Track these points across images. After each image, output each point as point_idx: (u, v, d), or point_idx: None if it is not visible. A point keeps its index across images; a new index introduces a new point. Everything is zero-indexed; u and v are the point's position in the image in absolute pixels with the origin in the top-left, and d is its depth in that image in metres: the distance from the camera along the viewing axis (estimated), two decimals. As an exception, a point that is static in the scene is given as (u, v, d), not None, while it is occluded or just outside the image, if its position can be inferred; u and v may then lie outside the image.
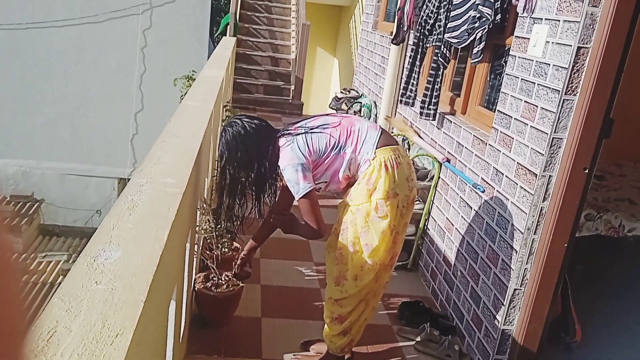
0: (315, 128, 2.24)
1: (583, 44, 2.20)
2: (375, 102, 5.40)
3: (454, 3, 3.26)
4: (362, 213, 2.20)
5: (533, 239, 2.42)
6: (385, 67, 4.98)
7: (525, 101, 2.53)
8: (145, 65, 8.86)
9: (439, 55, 3.41)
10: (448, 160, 3.34)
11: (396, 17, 4.42)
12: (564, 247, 2.39)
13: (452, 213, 3.22)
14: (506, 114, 2.68)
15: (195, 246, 2.59)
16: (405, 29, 4.27)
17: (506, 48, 2.94)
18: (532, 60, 2.50)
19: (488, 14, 2.87)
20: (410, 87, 3.95)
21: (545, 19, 2.42)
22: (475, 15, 2.97)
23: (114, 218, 1.37)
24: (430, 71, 3.49)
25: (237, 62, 7.48)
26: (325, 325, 2.44)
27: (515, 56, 2.65)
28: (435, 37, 3.49)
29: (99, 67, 8.81)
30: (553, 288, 2.46)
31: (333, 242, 2.32)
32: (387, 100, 4.78)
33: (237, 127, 2.26)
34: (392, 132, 3.72)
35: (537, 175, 2.37)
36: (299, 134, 2.23)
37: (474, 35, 2.99)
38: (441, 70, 3.43)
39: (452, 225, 3.19)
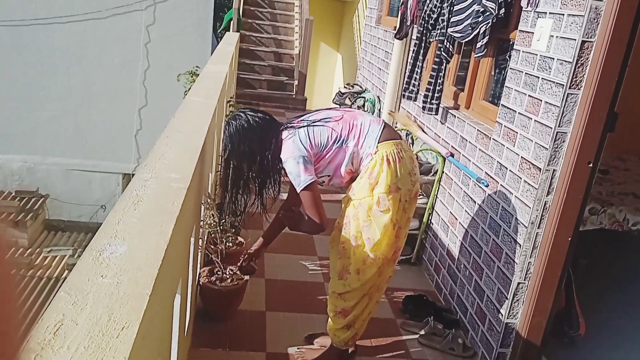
0: (317, 121, 2.25)
1: (587, 38, 2.19)
2: (378, 97, 5.39)
3: (457, -3, 3.25)
4: (364, 207, 2.20)
5: (537, 233, 2.42)
6: (388, 62, 4.97)
7: (529, 95, 2.52)
8: (148, 61, 8.87)
9: (442, 49, 3.41)
10: (452, 155, 3.34)
11: (400, 11, 4.41)
12: (567, 241, 2.39)
13: (455, 207, 3.22)
14: (510, 109, 2.68)
15: (200, 240, 2.60)
16: (408, 23, 4.26)
17: (510, 42, 2.94)
18: (537, 55, 2.49)
19: (492, 8, 2.86)
20: (413, 81, 3.94)
21: (550, 13, 2.41)
22: (479, 10, 2.96)
23: (119, 213, 1.38)
24: (433, 65, 3.49)
25: (240, 57, 7.48)
26: (329, 319, 2.45)
27: (520, 50, 2.64)
28: (439, 31, 3.48)
29: (103, 63, 8.83)
30: (557, 282, 2.46)
31: (336, 236, 2.33)
32: (391, 95, 4.77)
33: (240, 120, 2.27)
34: (395, 127, 3.72)
35: (541, 169, 2.37)
36: (301, 127, 2.24)
37: (478, 30, 2.98)
38: (444, 64, 3.43)
39: (456, 219, 3.20)
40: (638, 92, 3.50)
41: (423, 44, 3.79)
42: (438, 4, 3.51)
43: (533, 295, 2.47)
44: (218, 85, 3.36)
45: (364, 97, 5.53)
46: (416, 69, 3.89)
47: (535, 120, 2.45)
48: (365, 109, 5.36)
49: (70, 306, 0.99)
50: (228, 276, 2.69)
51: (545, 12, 2.44)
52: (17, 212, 7.91)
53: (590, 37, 2.19)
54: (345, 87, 6.08)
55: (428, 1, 3.68)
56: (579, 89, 2.25)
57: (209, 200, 2.65)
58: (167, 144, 2.04)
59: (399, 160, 2.19)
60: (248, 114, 2.29)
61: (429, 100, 3.53)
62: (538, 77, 2.46)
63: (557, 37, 2.35)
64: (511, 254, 2.54)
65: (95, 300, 1.02)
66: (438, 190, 3.51)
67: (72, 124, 8.99)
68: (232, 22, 7.44)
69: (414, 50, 3.92)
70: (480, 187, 2.90)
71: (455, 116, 3.38)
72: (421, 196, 3.60)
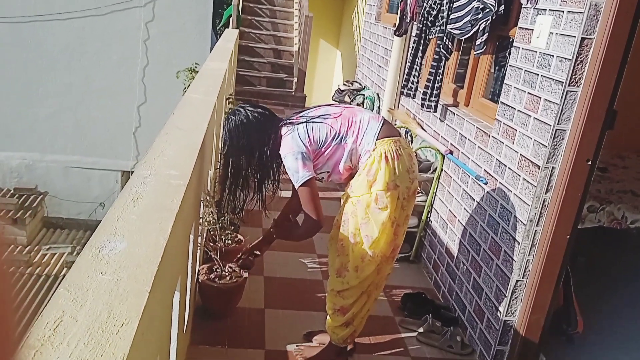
0: (316, 118, 2.25)
1: (587, 35, 2.19)
2: (378, 94, 5.39)
3: (457, -6, 3.24)
4: (363, 204, 2.20)
5: (535, 230, 2.43)
6: (388, 59, 4.97)
7: (528, 93, 2.52)
8: (147, 57, 8.86)
9: (441, 46, 3.40)
10: (451, 152, 3.34)
11: (399, 8, 4.41)
12: (566, 238, 2.40)
13: (454, 205, 3.23)
14: (509, 106, 2.68)
15: (199, 238, 2.60)
16: (408, 20, 4.25)
17: (510, 39, 2.93)
18: (536, 52, 2.49)
19: (491, 5, 2.86)
20: (412, 78, 3.94)
21: (549, 9, 2.41)
22: (479, 6, 2.96)
23: (118, 210, 1.38)
24: (433, 63, 3.48)
25: (239, 54, 7.47)
26: (328, 317, 2.46)
27: (519, 47, 2.64)
28: (438, 28, 3.48)
29: (102, 59, 8.81)
30: (555, 279, 2.47)
31: (335, 234, 2.33)
32: (390, 93, 4.77)
33: (240, 115, 2.27)
34: (395, 124, 3.72)
35: (540, 167, 2.37)
36: (300, 123, 2.24)
37: (477, 27, 2.98)
38: (443, 62, 3.42)
39: (455, 217, 3.20)
40: (637, 89, 3.50)
41: (422, 41, 3.79)
42: (438, 1, 3.50)
43: (531, 293, 2.47)
44: (217, 82, 3.36)
45: (364, 95, 5.53)
46: (415, 66, 3.89)
47: (534, 118, 2.45)
48: (365, 106, 5.36)
49: (70, 303, 0.99)
50: (227, 274, 2.69)
51: (545, 9, 2.44)
52: (16, 209, 7.90)
53: (590, 34, 2.19)
54: (344, 84, 6.08)
55: (427, -2, 3.67)
56: (578, 87, 2.25)
57: (208, 198, 2.65)
58: (167, 141, 2.04)
59: (397, 158, 2.19)
60: (247, 109, 2.29)
61: (427, 97, 3.53)
62: (537, 75, 2.46)
63: (556, 34, 2.35)
64: (510, 252, 2.54)
65: (95, 297, 1.02)
66: (437, 188, 3.52)
67: (71, 121, 8.98)
68: (231, 18, 7.43)
69: (413, 47, 3.91)
70: (479, 184, 2.91)
71: (454, 113, 3.38)
72: (420, 194, 3.60)
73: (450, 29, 3.29)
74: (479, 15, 2.96)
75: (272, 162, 2.31)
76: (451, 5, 3.31)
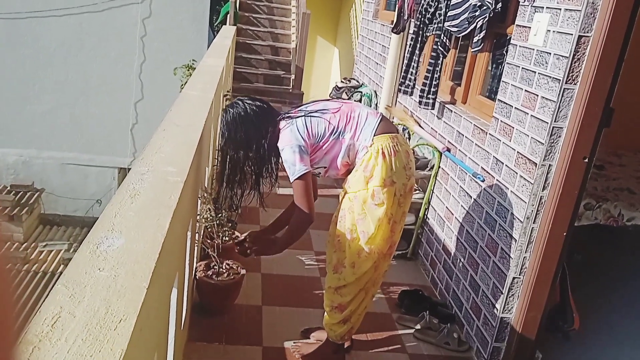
0: (315, 112, 2.25)
1: (584, 32, 2.19)
2: (375, 92, 5.39)
3: (454, -8, 3.24)
4: (359, 200, 2.21)
5: (532, 227, 2.44)
6: (385, 56, 4.97)
7: (525, 90, 2.53)
8: (145, 54, 8.83)
9: (438, 44, 3.40)
10: (448, 150, 3.35)
11: (397, 5, 4.40)
12: (563, 236, 2.40)
13: (452, 202, 3.23)
14: (507, 103, 2.68)
15: (197, 235, 2.60)
16: (405, 17, 4.25)
17: (507, 37, 2.94)
18: (533, 49, 2.49)
19: (489, 2, 2.86)
20: (409, 75, 3.94)
21: (547, 7, 2.41)
22: (476, 4, 2.96)
23: (116, 206, 1.38)
24: (430, 60, 3.49)
25: (237, 51, 7.45)
26: (325, 314, 2.46)
27: (516, 45, 2.64)
28: (436, 25, 3.48)
29: (99, 56, 8.79)
30: (552, 277, 2.47)
31: (333, 230, 2.33)
32: (388, 90, 4.77)
33: (237, 108, 2.27)
34: (392, 122, 3.72)
35: (537, 164, 2.38)
36: (299, 116, 2.24)
37: (475, 24, 2.98)
38: (441, 59, 3.42)
39: (452, 214, 3.20)
40: (634, 87, 3.51)
41: (420, 38, 3.79)
42: (435, -1, 3.50)
43: (528, 290, 2.48)
44: (215, 79, 3.35)
45: (361, 92, 5.52)
46: (413, 63, 3.89)
47: (531, 115, 2.46)
48: (362, 104, 5.36)
49: (68, 299, 0.99)
50: (224, 270, 2.69)
51: (542, 7, 2.44)
52: (12, 206, 7.88)
53: (587, 32, 2.19)
54: (342, 81, 6.08)
55: (425, -4, 3.67)
56: (575, 84, 2.25)
57: (205, 195, 2.65)
58: (164, 138, 2.03)
59: (395, 154, 2.19)
60: (245, 102, 2.28)
61: (425, 94, 3.53)
62: (534, 72, 2.46)
63: (553, 31, 2.35)
64: (506, 249, 2.55)
65: (93, 293, 1.02)
66: (434, 185, 3.52)
67: (67, 117, 8.95)
68: (228, 15, 7.41)
69: (410, 44, 3.91)
70: (477, 182, 2.91)
71: (451, 111, 3.38)
72: (417, 191, 3.61)
73: (448, 26, 3.29)
74: (477, 13, 2.96)
75: (269, 156, 2.30)
76: (449, 2, 3.31)
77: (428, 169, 3.59)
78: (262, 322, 2.75)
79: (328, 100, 2.41)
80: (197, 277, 2.65)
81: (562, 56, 2.27)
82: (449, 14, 3.30)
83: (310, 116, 2.24)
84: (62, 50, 8.70)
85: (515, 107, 2.60)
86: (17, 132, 8.86)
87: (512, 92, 2.64)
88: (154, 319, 1.30)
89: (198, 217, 2.60)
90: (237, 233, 3.07)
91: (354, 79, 6.12)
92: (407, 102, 4.30)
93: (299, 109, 2.32)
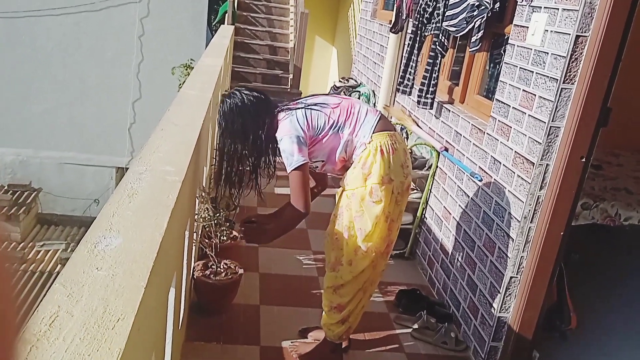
0: (315, 105, 2.24)
1: (582, 32, 2.20)
2: (373, 91, 5.39)
3: (452, -9, 3.25)
4: (357, 197, 2.20)
5: (529, 227, 2.44)
6: (384, 56, 4.97)
7: (523, 90, 2.53)
8: (142, 53, 8.83)
9: (437, 43, 3.41)
10: (446, 149, 3.35)
11: (395, 5, 4.41)
12: (560, 235, 2.41)
13: (449, 202, 3.24)
14: (504, 103, 2.68)
15: (194, 234, 2.60)
16: (404, 17, 4.25)
17: (505, 37, 2.94)
18: (531, 49, 2.50)
19: (487, 2, 2.86)
20: (408, 75, 3.95)
21: (544, 7, 2.41)
22: (474, 4, 2.97)
23: (114, 205, 1.38)
24: (428, 60, 3.49)
25: (235, 50, 7.45)
26: (324, 313, 2.46)
27: (514, 45, 2.65)
28: (434, 25, 3.49)
29: (97, 55, 8.78)
30: (549, 276, 2.48)
31: (331, 229, 2.33)
32: (386, 89, 4.77)
33: (235, 98, 2.25)
34: (390, 121, 3.73)
35: (534, 164, 2.39)
36: (299, 108, 2.23)
37: (473, 24, 2.99)
38: (439, 59, 3.43)
39: (450, 213, 3.21)
40: (631, 87, 3.52)
41: (418, 38, 3.79)
42: (433, -1, 3.50)
43: (525, 290, 2.48)
44: (213, 78, 3.35)
45: (359, 91, 5.53)
46: (411, 63, 3.89)
47: (529, 115, 2.46)
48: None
49: (66, 298, 0.99)
50: (222, 270, 2.69)
51: (540, 7, 2.44)
52: (10, 205, 7.87)
53: (585, 32, 2.20)
54: (340, 81, 6.08)
55: (423, -5, 3.68)
56: (572, 84, 2.26)
57: (203, 194, 2.65)
58: (162, 137, 2.03)
59: (393, 152, 2.19)
60: (243, 93, 2.26)
61: (423, 94, 3.54)
62: (532, 72, 2.47)
63: (551, 31, 2.35)
64: (504, 248, 2.56)
65: (91, 292, 1.02)
66: (432, 185, 3.53)
67: (65, 117, 8.94)
68: (226, 15, 7.41)
69: (409, 44, 3.92)
70: (474, 181, 2.92)
71: (449, 110, 3.39)
72: (415, 190, 3.61)
73: (446, 26, 3.30)
74: (475, 13, 2.96)
75: (266, 147, 2.28)
76: (447, 2, 3.31)
77: (426, 168, 3.59)
78: (259, 322, 2.75)
79: (327, 95, 2.40)
80: (195, 276, 2.65)
81: (560, 56, 2.28)
82: (447, 13, 3.30)
83: (310, 109, 2.22)
84: (60, 49, 8.69)
85: (512, 107, 2.61)
86: (15, 132, 8.85)
87: (510, 92, 2.64)
88: (152, 318, 1.30)
89: (196, 217, 2.60)
90: (234, 233, 3.07)
91: (352, 79, 6.13)
92: (405, 101, 4.30)
93: (298, 101, 2.31)
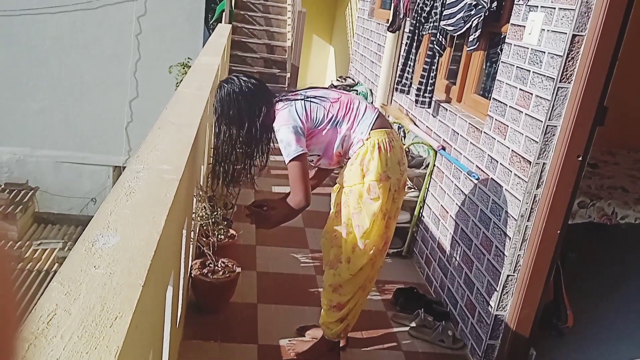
0: (314, 98, 2.24)
1: (578, 31, 2.21)
2: (371, 90, 5.39)
3: (450, -10, 3.25)
4: (355, 194, 2.20)
5: (526, 225, 2.45)
6: (381, 55, 4.97)
7: (520, 89, 2.54)
8: (139, 52, 8.81)
9: (434, 43, 3.41)
10: (443, 148, 3.36)
11: (392, 4, 4.41)
12: (556, 234, 2.42)
13: (446, 200, 3.24)
14: (501, 102, 2.69)
15: (192, 233, 2.60)
16: (401, 16, 4.26)
17: (502, 36, 2.95)
18: (528, 48, 2.50)
19: (484, 1, 2.87)
20: (406, 74, 3.95)
21: (541, 6, 2.42)
22: (471, 3, 2.97)
23: (111, 204, 1.38)
24: (426, 59, 3.49)
25: (232, 49, 7.44)
26: (322, 312, 2.46)
27: (511, 44, 2.65)
28: (431, 24, 3.49)
29: (93, 54, 8.76)
30: (546, 274, 2.49)
31: (330, 226, 2.33)
32: (383, 88, 4.78)
33: (232, 84, 2.23)
34: (387, 119, 3.73)
35: (531, 162, 2.39)
36: (298, 99, 2.22)
37: (470, 23, 2.99)
38: (437, 58, 3.43)
39: (447, 212, 3.22)
40: (628, 86, 3.53)
41: (416, 37, 3.80)
42: (430, -3, 3.51)
43: (522, 288, 2.49)
44: (210, 77, 3.35)
45: (357, 90, 5.53)
46: (409, 62, 3.90)
47: (525, 114, 2.47)
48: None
49: (64, 296, 0.99)
50: (220, 269, 2.70)
51: (537, 6, 2.45)
52: (7, 204, 7.86)
53: (581, 31, 2.20)
54: (337, 79, 6.08)
55: (421, -6, 3.68)
56: (569, 83, 2.26)
57: (201, 193, 2.65)
58: (159, 136, 2.03)
59: (390, 149, 2.19)
60: (241, 79, 2.24)
61: (421, 93, 3.54)
62: (529, 71, 2.48)
63: (548, 30, 2.36)
64: (501, 247, 2.56)
65: (89, 291, 1.02)
66: (429, 183, 3.53)
67: (62, 115, 8.92)
68: (224, 13, 7.40)
69: (406, 43, 3.92)
70: (471, 180, 2.92)
71: (446, 109, 3.39)
72: (413, 189, 3.62)
73: (444, 25, 3.30)
74: (472, 12, 2.97)
75: (261, 136, 2.25)
76: (444, 1, 3.32)
77: (423, 167, 3.60)
78: (257, 320, 2.75)
79: (327, 88, 2.39)
80: (192, 275, 2.65)
81: (557, 55, 2.28)
82: (444, 12, 3.31)
83: (310, 101, 2.22)
84: (57, 48, 8.67)
85: (509, 106, 2.61)
86: (11, 130, 8.83)
87: (507, 91, 2.65)
88: (150, 316, 1.30)
89: (193, 215, 2.60)
90: (232, 231, 3.07)
91: (349, 78, 6.13)
92: (402, 100, 4.31)
93: (297, 92, 2.29)
